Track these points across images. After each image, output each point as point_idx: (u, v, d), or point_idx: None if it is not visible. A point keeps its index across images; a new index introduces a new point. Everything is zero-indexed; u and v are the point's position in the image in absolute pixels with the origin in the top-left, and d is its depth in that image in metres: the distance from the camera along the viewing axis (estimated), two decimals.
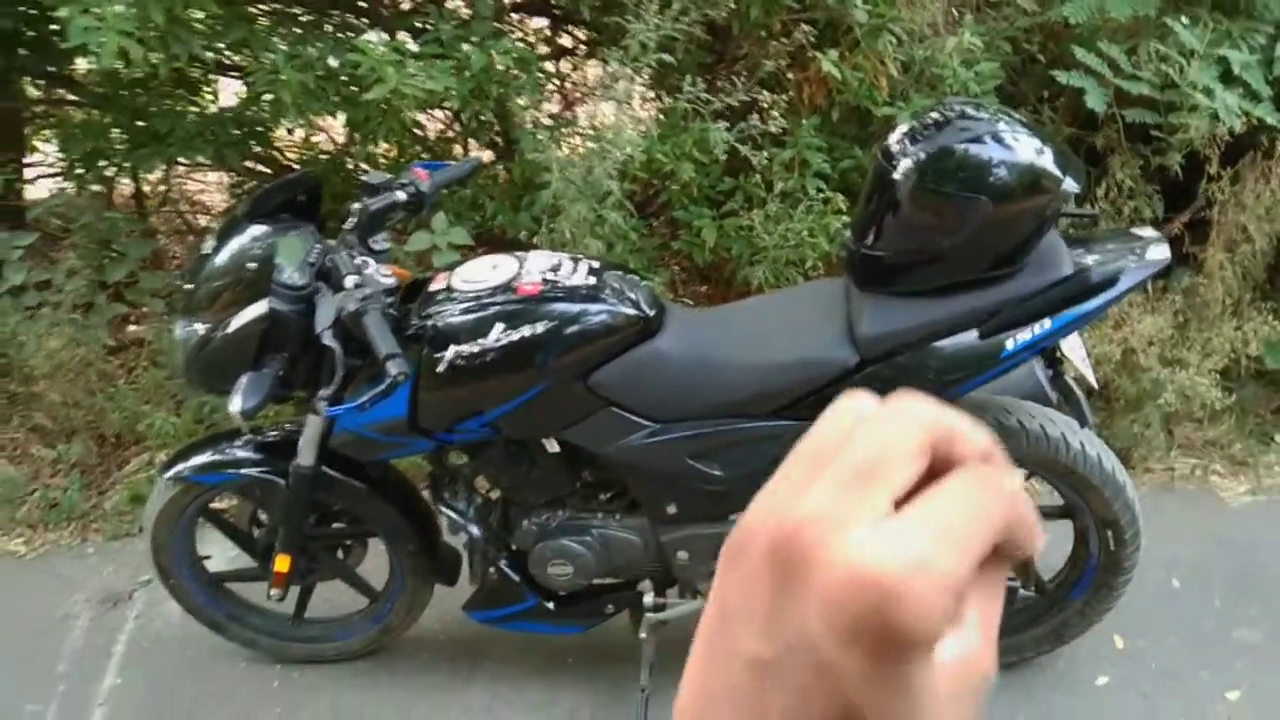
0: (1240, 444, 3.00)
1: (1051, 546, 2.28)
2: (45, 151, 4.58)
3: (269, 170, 3.81)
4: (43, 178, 4.61)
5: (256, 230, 2.01)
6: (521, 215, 3.25)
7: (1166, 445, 2.96)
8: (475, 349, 1.95)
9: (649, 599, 2.24)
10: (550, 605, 2.29)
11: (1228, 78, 2.93)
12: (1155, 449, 2.93)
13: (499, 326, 1.94)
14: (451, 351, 1.95)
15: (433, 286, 2.06)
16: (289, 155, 3.82)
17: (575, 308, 1.98)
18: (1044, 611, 2.30)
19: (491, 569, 2.27)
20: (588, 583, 2.22)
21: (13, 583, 3.06)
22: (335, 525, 2.45)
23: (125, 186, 4.52)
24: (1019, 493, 0.34)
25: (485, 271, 2.04)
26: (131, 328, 3.89)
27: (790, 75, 3.14)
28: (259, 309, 1.95)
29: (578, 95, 4.12)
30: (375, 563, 2.51)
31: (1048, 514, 2.26)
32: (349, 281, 1.90)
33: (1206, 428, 3.01)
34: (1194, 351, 2.80)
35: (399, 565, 2.43)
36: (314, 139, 4.04)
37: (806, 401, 1.94)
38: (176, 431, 3.28)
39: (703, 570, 2.16)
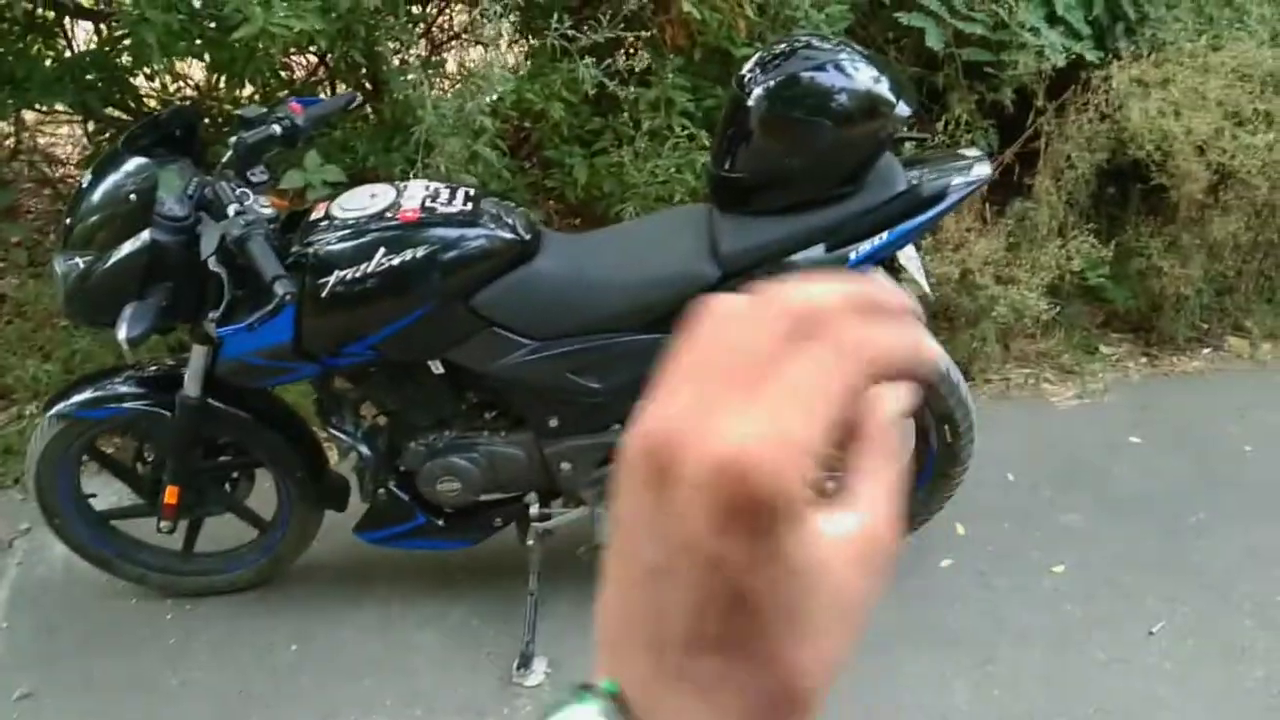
0: (1068, 354, 3.32)
1: None
2: None
3: (130, 118, 3.73)
4: None
5: (133, 164, 2.04)
6: (393, 155, 3.30)
7: (1002, 358, 3.25)
8: (357, 274, 2.03)
9: (535, 509, 2.38)
10: (439, 522, 2.41)
11: (1053, 19, 3.20)
12: (992, 361, 3.22)
13: (380, 251, 2.03)
14: (334, 276, 2.04)
15: (313, 216, 2.13)
16: (150, 103, 3.75)
17: (454, 232, 2.08)
18: None
19: (381, 490, 2.37)
20: (475, 498, 2.35)
21: None
22: (222, 458, 2.50)
23: None
24: (874, 334, 0.35)
25: (365, 199, 2.12)
26: None
27: (654, 16, 3.26)
28: (140, 240, 1.99)
29: (444, 39, 4.15)
30: (262, 495, 2.57)
31: None
32: (231, 209, 1.96)
33: (1039, 340, 3.31)
34: (1024, 270, 3.08)
35: (287, 494, 2.50)
36: (174, 86, 3.97)
37: (674, 315, 2.09)
38: (50, 379, 3.24)
39: (584, 479, 2.31)
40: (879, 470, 0.36)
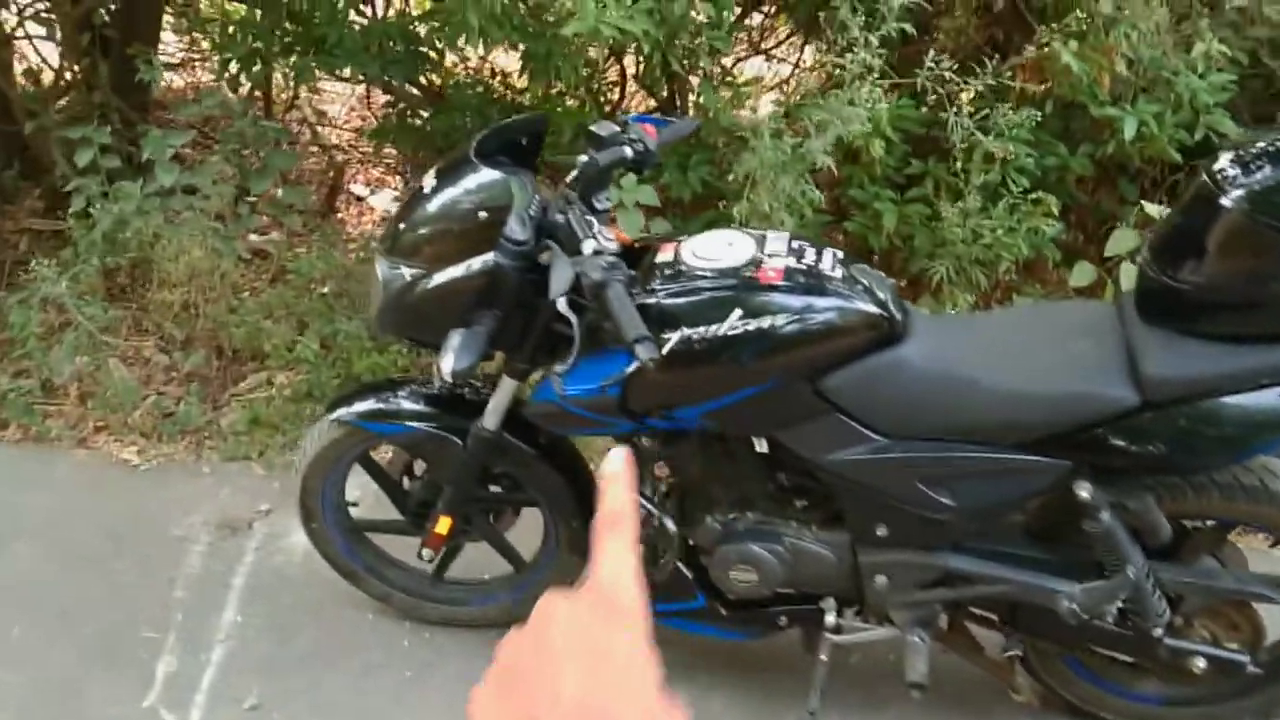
0: None
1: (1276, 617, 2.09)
2: (166, 40, 4.42)
3: (420, 95, 3.62)
4: (168, 69, 4.45)
5: (485, 176, 1.83)
6: (690, 175, 3.06)
7: None
8: (706, 334, 1.77)
9: (830, 618, 2.07)
10: (721, 609, 2.14)
11: None
12: None
13: (736, 313, 1.76)
14: (679, 334, 1.78)
15: (660, 258, 1.88)
16: (447, 83, 3.61)
17: (820, 301, 1.79)
18: (1257, 683, 2.12)
19: (662, 560, 2.11)
20: (768, 593, 2.06)
21: (127, 493, 2.96)
22: (494, 489, 2.30)
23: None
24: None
25: (720, 248, 1.85)
26: (254, 237, 3.75)
27: (995, 61, 2.90)
28: (482, 263, 1.79)
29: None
30: (521, 532, 2.37)
31: None
32: (587, 247, 1.72)
33: None
34: None
35: (556, 537, 2.28)
36: (474, 70, 3.84)
37: (1071, 438, 1.74)
38: (306, 353, 3.15)
39: (900, 599, 1.99)
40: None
